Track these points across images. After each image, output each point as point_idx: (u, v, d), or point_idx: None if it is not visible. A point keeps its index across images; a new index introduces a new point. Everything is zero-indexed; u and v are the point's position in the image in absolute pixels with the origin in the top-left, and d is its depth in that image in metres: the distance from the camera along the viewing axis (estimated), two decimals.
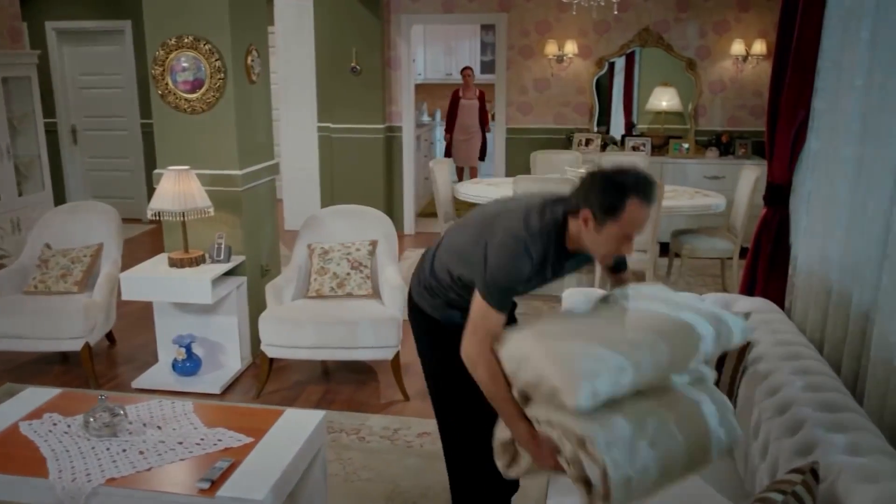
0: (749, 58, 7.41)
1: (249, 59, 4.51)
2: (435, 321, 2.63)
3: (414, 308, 2.70)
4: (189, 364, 4.40)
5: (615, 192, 2.09)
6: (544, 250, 2.24)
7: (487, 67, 10.54)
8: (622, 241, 2.15)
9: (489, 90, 10.37)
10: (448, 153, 10.00)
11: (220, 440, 2.83)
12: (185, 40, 4.30)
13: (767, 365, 2.69)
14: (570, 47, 7.66)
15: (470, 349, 2.27)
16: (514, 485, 2.92)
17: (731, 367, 2.77)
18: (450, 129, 9.94)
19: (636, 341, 2.09)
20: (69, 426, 2.95)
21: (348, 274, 4.43)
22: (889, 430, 2.29)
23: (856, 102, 2.78)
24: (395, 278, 4.39)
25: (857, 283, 2.69)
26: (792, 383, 2.48)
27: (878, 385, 2.41)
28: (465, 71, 9.81)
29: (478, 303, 2.27)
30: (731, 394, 2.76)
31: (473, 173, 9.99)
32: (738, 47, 7.37)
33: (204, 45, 4.28)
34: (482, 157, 9.94)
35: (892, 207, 2.43)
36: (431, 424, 3.92)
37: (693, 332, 2.16)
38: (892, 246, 2.40)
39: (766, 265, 3.65)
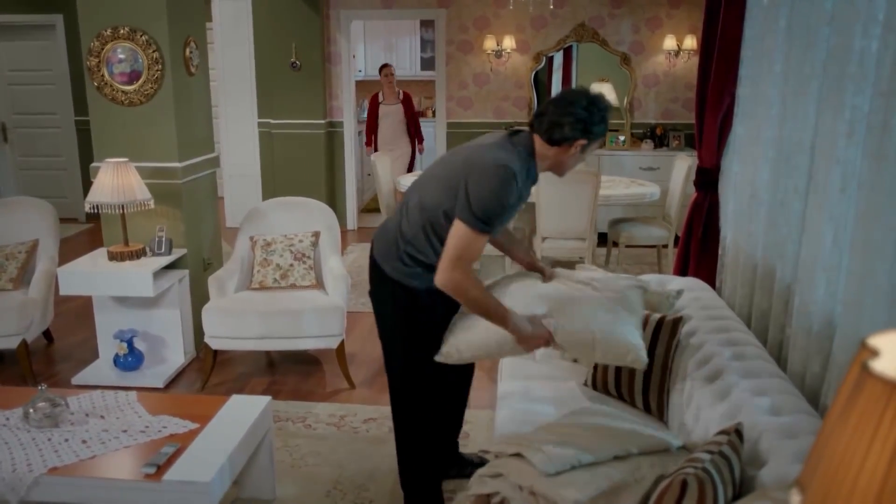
0: (681, 53, 7.65)
1: (188, 50, 4.48)
2: (395, 283, 2.64)
3: (376, 270, 2.69)
4: (131, 359, 4.35)
5: (605, 124, 2.48)
6: (524, 173, 2.46)
7: (427, 64, 10.60)
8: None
9: (429, 87, 10.40)
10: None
11: (165, 427, 2.83)
12: (122, 31, 4.25)
13: (699, 338, 2.83)
14: (509, 42, 7.78)
15: (456, 275, 2.40)
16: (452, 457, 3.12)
17: (666, 342, 2.89)
18: (370, 142, 8.13)
19: None
20: (7, 419, 2.91)
21: (291, 265, 4.44)
22: (810, 391, 2.43)
23: (775, 88, 2.93)
24: (338, 268, 4.42)
25: (780, 258, 2.84)
26: (720, 354, 2.61)
27: (799, 352, 2.56)
28: (385, 69, 8.02)
29: (461, 232, 2.39)
30: (666, 366, 2.88)
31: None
32: (670, 42, 7.60)
33: (141, 36, 4.24)
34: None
35: (809, 185, 2.58)
36: (377, 411, 3.97)
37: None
38: (809, 221, 2.55)
39: (697, 247, 3.80)
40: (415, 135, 8.13)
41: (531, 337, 2.50)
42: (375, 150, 8.03)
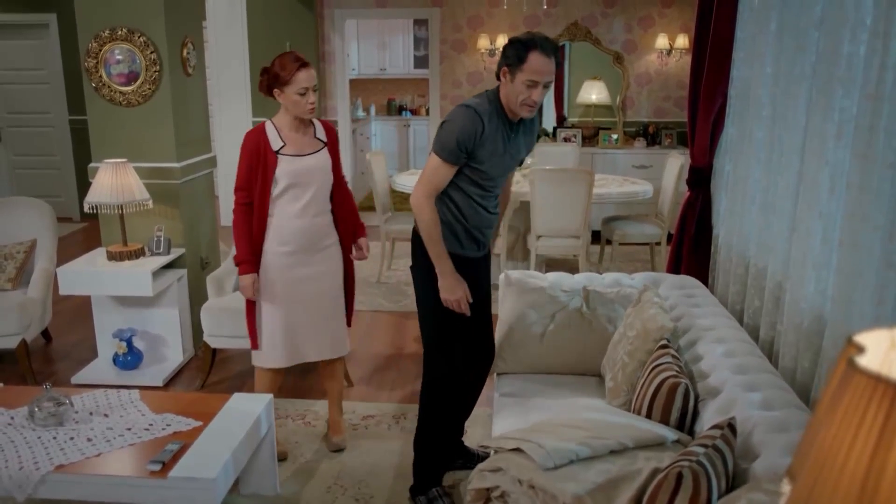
0: (673, 51, 7.72)
1: (185, 51, 4.52)
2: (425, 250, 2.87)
3: (416, 240, 2.94)
4: (130, 358, 4.39)
5: (521, 47, 2.67)
6: (493, 115, 2.75)
7: (421, 62, 10.65)
8: (531, 87, 2.67)
9: (423, 85, 10.45)
10: None
11: (168, 425, 2.87)
12: (119, 32, 4.28)
13: (691, 336, 2.89)
14: (502, 41, 7.83)
15: (419, 195, 2.79)
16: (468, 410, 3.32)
17: None
18: (245, 251, 3.33)
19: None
20: (12, 418, 2.94)
21: None
22: (801, 386, 2.49)
23: (766, 89, 2.99)
24: None
25: (771, 256, 2.90)
26: (713, 351, 2.67)
27: (790, 348, 2.62)
28: (301, 70, 3.48)
29: (431, 160, 2.78)
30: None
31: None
32: (662, 41, 7.67)
33: (138, 37, 4.27)
34: None
35: (799, 185, 2.64)
36: (376, 408, 4.02)
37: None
38: (799, 220, 2.61)
39: (690, 244, 3.86)
40: (353, 220, 3.56)
41: (451, 288, 2.82)
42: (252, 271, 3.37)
